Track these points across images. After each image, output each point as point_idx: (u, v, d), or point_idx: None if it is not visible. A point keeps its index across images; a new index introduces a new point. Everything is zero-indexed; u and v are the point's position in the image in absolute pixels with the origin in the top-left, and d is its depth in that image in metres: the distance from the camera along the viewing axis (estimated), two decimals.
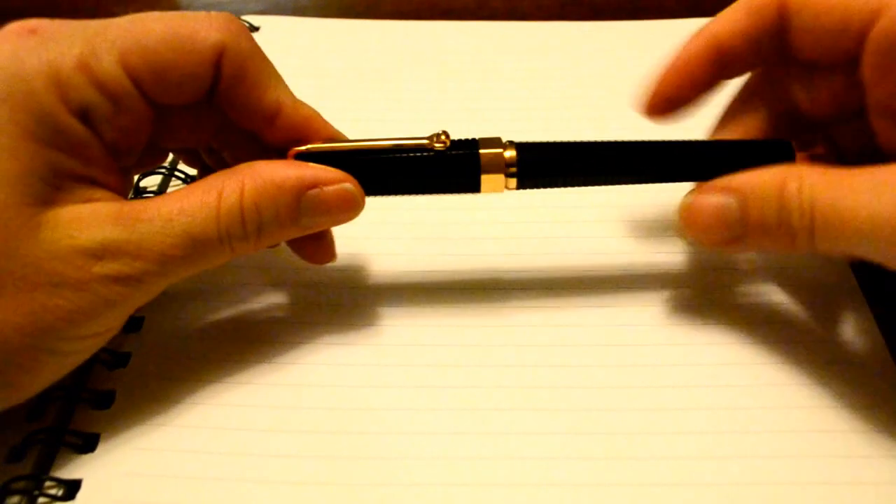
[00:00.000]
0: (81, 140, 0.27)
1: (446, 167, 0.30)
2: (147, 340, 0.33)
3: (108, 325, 0.28)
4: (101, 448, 0.29)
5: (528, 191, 0.31)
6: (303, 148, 0.30)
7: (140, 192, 0.39)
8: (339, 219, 0.30)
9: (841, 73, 0.29)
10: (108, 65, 0.27)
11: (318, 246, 0.32)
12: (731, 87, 0.34)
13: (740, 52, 0.32)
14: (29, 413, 0.30)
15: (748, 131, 0.33)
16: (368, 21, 0.53)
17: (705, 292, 0.34)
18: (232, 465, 0.29)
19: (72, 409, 0.30)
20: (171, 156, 0.41)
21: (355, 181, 0.30)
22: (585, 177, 0.32)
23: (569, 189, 0.32)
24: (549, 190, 0.32)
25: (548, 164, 0.31)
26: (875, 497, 0.28)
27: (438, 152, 0.30)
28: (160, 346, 0.33)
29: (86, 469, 0.29)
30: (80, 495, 0.28)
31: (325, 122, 0.32)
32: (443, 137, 0.30)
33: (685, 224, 0.30)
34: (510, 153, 0.30)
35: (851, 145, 0.32)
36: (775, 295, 0.34)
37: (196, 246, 0.28)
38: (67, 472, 0.29)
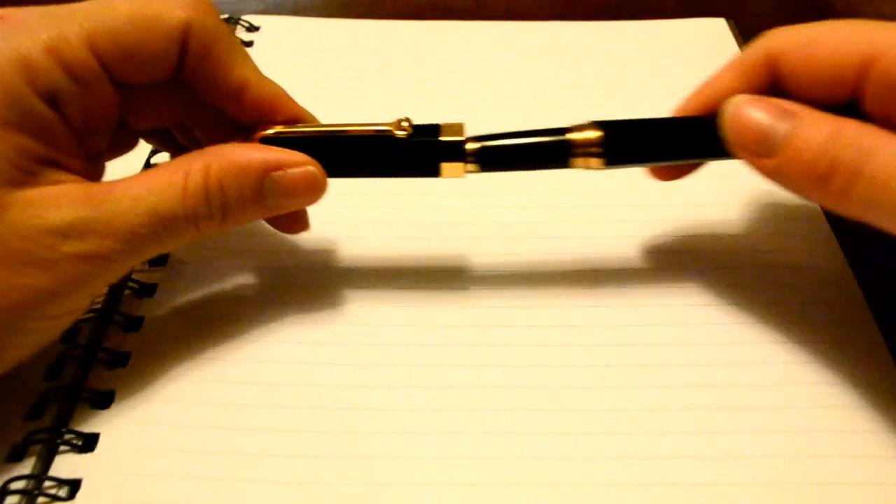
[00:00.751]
0: (50, 124, 0.28)
1: (407, 153, 0.31)
2: (147, 340, 0.33)
3: (77, 305, 0.28)
4: (101, 448, 0.29)
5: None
6: (269, 132, 0.31)
7: None
8: (301, 201, 0.31)
9: (838, 110, 0.29)
10: (76, 48, 0.28)
11: (292, 218, 0.33)
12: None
13: (796, 69, 0.31)
14: (29, 413, 0.31)
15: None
16: (368, 21, 0.53)
17: (704, 292, 0.34)
18: (232, 465, 0.29)
19: (72, 408, 0.30)
20: (169, 156, 0.41)
21: (318, 164, 0.31)
22: (537, 163, 0.32)
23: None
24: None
25: (507, 152, 0.32)
26: (875, 497, 0.28)
27: (400, 139, 0.31)
28: (160, 346, 0.33)
29: (86, 469, 0.29)
30: (80, 495, 0.28)
31: (291, 100, 0.33)
32: (404, 124, 0.31)
33: (724, 121, 0.30)
34: (472, 145, 0.31)
35: None
36: (774, 295, 0.34)
37: (163, 224, 0.28)
38: (67, 472, 0.29)
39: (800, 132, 0.28)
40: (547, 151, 0.31)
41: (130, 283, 0.35)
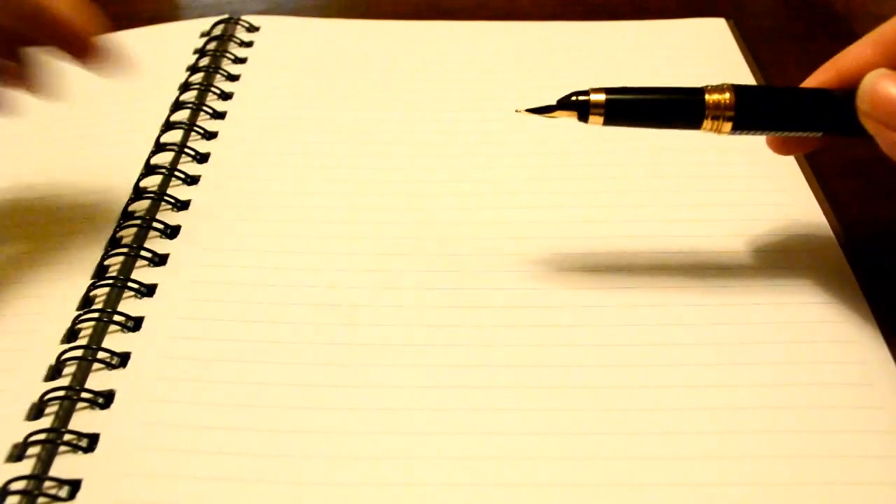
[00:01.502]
0: None
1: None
2: (147, 341, 0.33)
3: None
4: (102, 448, 0.29)
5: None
6: None
7: (140, 193, 0.39)
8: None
9: None
10: None
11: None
12: None
13: None
14: (29, 413, 0.31)
15: None
16: (368, 21, 0.53)
17: (703, 292, 0.34)
18: (232, 465, 0.29)
19: (72, 409, 0.30)
20: (171, 155, 0.41)
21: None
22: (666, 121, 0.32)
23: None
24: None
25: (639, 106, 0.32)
26: (875, 497, 0.28)
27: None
28: (160, 347, 0.33)
29: (86, 469, 0.29)
30: (80, 495, 0.28)
31: None
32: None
33: (864, 92, 0.30)
34: (597, 97, 0.31)
35: None
36: (774, 295, 0.34)
37: None
38: (67, 472, 0.29)
39: None
40: (680, 108, 0.31)
41: (131, 284, 0.35)
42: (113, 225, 0.38)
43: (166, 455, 0.29)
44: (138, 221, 0.38)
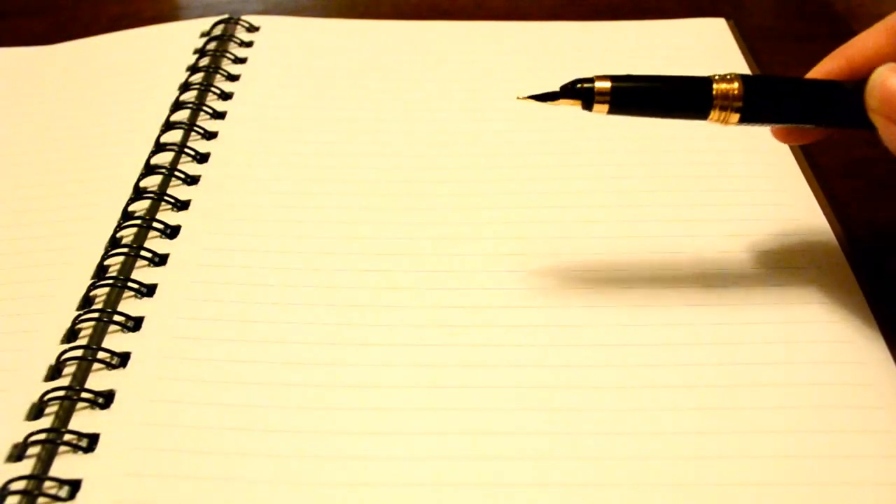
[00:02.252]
0: None
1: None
2: (147, 340, 0.33)
3: None
4: (101, 448, 0.29)
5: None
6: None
7: (140, 193, 0.39)
8: None
9: None
10: None
11: None
12: None
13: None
14: (29, 413, 0.31)
15: None
16: (368, 21, 0.53)
17: (702, 292, 0.34)
18: (231, 465, 0.29)
19: (72, 409, 0.30)
20: (171, 155, 0.41)
21: None
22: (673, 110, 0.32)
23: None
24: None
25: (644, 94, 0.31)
26: (875, 497, 0.28)
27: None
28: (160, 346, 0.33)
29: (86, 469, 0.29)
30: (80, 495, 0.28)
31: None
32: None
33: (874, 86, 0.29)
34: (602, 84, 0.31)
35: None
36: (774, 295, 0.34)
37: None
38: (68, 472, 0.29)
39: None
40: (687, 97, 0.31)
41: (131, 284, 0.35)
42: (113, 225, 0.38)
43: (166, 455, 0.29)
44: (138, 221, 0.38)
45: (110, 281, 0.35)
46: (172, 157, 0.42)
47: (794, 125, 0.32)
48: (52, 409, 0.31)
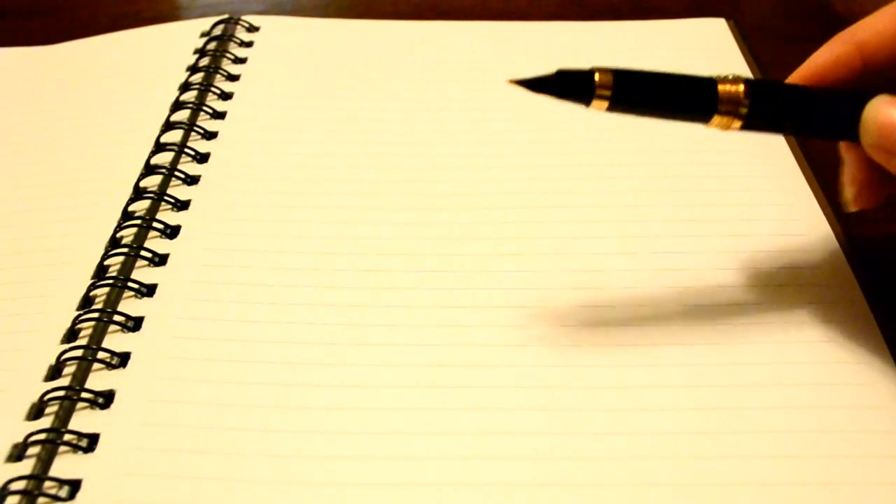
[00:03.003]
0: None
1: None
2: (147, 340, 0.33)
3: None
4: (102, 448, 0.29)
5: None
6: None
7: (140, 193, 0.39)
8: None
9: None
10: None
11: None
12: None
13: (889, 64, 0.29)
14: (29, 413, 0.31)
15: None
16: (368, 21, 0.53)
17: (701, 291, 0.34)
18: (231, 465, 0.29)
19: (72, 409, 0.30)
20: (171, 155, 0.41)
21: None
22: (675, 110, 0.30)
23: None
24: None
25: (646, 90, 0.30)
26: (875, 497, 0.28)
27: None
28: (160, 347, 0.33)
29: (86, 469, 0.29)
30: (80, 495, 0.28)
31: None
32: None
33: (868, 120, 0.28)
34: (603, 76, 0.29)
35: None
36: (774, 295, 0.34)
37: None
38: (68, 472, 0.29)
39: None
40: (691, 97, 0.29)
41: (131, 284, 0.35)
42: (113, 225, 0.38)
43: (166, 455, 0.29)
44: (138, 221, 0.38)
45: (110, 281, 0.35)
46: (172, 157, 0.42)
47: (799, 136, 0.30)
48: (52, 409, 0.31)
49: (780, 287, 0.34)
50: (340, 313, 0.34)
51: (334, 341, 0.33)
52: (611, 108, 0.29)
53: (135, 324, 0.34)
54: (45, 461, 0.29)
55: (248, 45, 0.50)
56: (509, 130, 0.44)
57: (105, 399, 0.31)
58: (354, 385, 0.31)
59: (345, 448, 0.29)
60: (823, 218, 0.38)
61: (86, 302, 0.35)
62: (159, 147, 0.42)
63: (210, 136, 0.43)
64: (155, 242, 0.37)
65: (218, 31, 0.51)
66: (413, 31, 0.52)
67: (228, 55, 0.49)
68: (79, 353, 0.32)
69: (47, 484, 0.28)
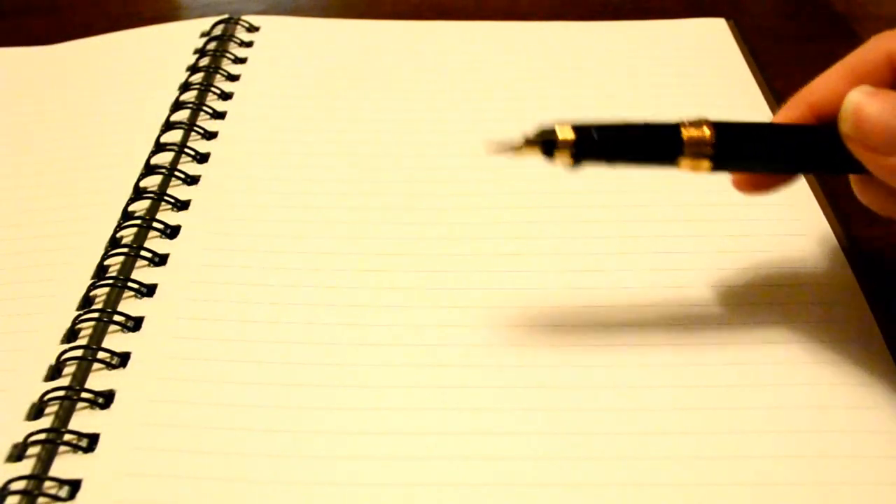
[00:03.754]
0: None
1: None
2: (147, 340, 0.33)
3: None
4: (102, 448, 0.29)
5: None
6: None
7: (140, 193, 0.39)
8: None
9: None
10: None
11: None
12: None
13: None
14: (29, 413, 0.31)
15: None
16: (368, 21, 0.53)
17: (701, 291, 0.34)
18: (231, 465, 0.29)
19: (72, 409, 0.30)
20: (171, 155, 0.41)
21: None
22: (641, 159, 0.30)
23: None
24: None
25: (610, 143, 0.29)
26: (875, 497, 0.28)
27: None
28: (160, 347, 0.33)
29: (86, 469, 0.29)
30: (80, 495, 0.28)
31: None
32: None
33: (847, 113, 0.27)
34: (565, 134, 0.28)
35: None
36: (774, 295, 0.34)
37: None
38: (68, 472, 0.29)
39: None
40: (655, 145, 0.29)
41: (131, 284, 0.35)
42: (113, 225, 0.38)
43: (166, 455, 0.29)
44: (138, 221, 0.38)
45: (110, 281, 0.35)
46: (172, 157, 0.42)
47: (769, 172, 0.30)
48: (52, 409, 0.31)
49: (779, 287, 0.35)
50: (340, 313, 0.34)
51: (334, 341, 0.33)
52: (576, 163, 0.28)
53: (135, 324, 0.34)
54: (45, 461, 0.29)
55: (248, 45, 0.50)
56: (509, 130, 0.43)
57: (105, 399, 0.31)
58: (354, 385, 0.31)
59: (345, 448, 0.29)
60: (823, 218, 0.38)
61: (86, 302, 0.35)
62: (159, 147, 0.42)
63: (210, 136, 0.43)
64: (155, 242, 0.37)
65: (218, 31, 0.51)
66: (413, 31, 0.52)
67: (228, 55, 0.49)
68: (79, 353, 0.32)
69: (47, 484, 0.28)
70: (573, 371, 0.32)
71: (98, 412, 0.30)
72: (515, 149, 0.28)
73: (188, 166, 0.41)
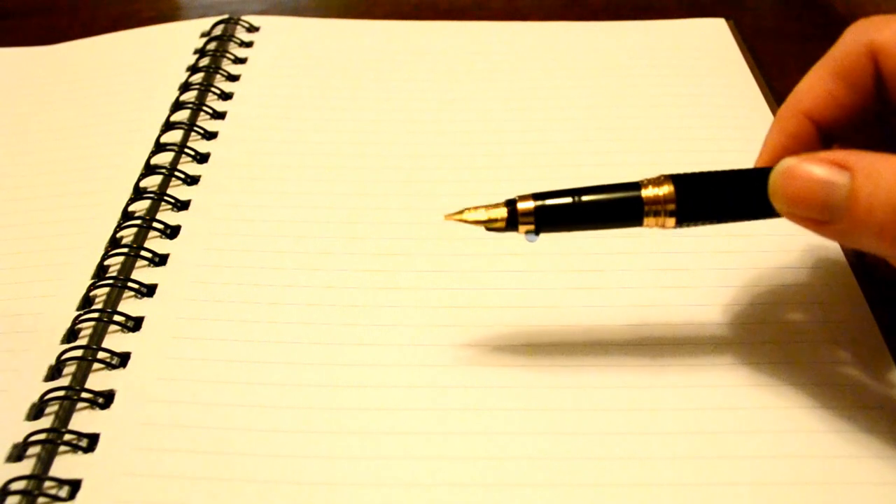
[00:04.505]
0: None
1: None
2: (147, 340, 0.33)
3: None
4: (102, 448, 0.29)
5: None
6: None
7: (140, 193, 0.39)
8: None
9: None
10: None
11: None
12: None
13: (838, 120, 0.28)
14: (29, 413, 0.31)
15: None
16: (368, 21, 0.53)
17: (702, 290, 0.34)
18: (232, 465, 0.29)
19: (72, 409, 0.30)
20: (171, 155, 0.41)
21: None
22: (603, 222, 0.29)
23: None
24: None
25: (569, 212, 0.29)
26: (875, 497, 0.28)
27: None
28: (160, 347, 0.33)
29: (86, 469, 0.29)
30: (80, 495, 0.28)
31: None
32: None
33: (776, 189, 0.26)
34: (525, 205, 0.29)
35: None
36: (774, 295, 0.34)
37: None
38: (68, 472, 0.29)
39: (861, 188, 0.24)
40: (617, 208, 0.28)
41: (131, 284, 0.35)
42: (113, 225, 0.38)
43: (166, 455, 0.29)
44: (138, 221, 0.38)
45: (110, 281, 0.35)
46: (172, 157, 0.42)
47: (741, 221, 0.29)
48: (52, 409, 0.31)
49: (779, 287, 0.35)
50: (340, 313, 0.34)
51: (334, 341, 0.33)
52: (539, 231, 0.29)
53: (135, 324, 0.34)
54: (45, 461, 0.29)
55: (248, 45, 0.50)
56: (509, 130, 0.44)
57: (105, 399, 0.31)
58: (354, 385, 0.31)
59: (345, 448, 0.29)
60: None
61: (86, 302, 0.35)
62: (159, 147, 0.42)
63: (210, 136, 0.43)
64: (155, 242, 0.37)
65: (218, 31, 0.51)
66: (413, 31, 0.52)
67: (228, 55, 0.49)
68: (79, 353, 0.32)
69: (47, 484, 0.28)
70: (573, 371, 0.32)
71: (98, 412, 0.30)
72: (477, 221, 0.29)
73: (188, 166, 0.41)
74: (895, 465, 0.28)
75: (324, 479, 0.28)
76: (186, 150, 0.42)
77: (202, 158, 0.42)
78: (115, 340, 0.33)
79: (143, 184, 0.40)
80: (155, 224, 0.38)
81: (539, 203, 0.28)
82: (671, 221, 0.28)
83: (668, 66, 0.48)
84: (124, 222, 0.38)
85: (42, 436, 0.29)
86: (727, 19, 0.51)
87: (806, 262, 0.36)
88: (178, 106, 0.45)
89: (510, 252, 0.36)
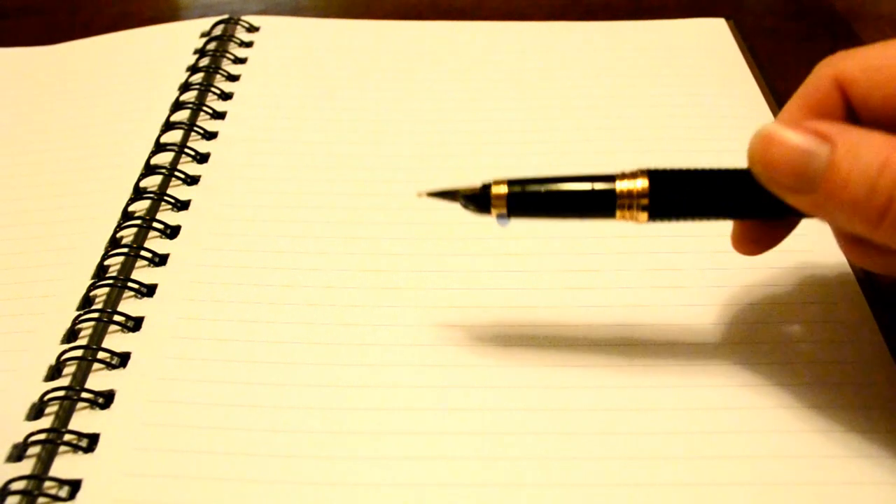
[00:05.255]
0: None
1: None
2: (147, 340, 0.33)
3: None
4: (102, 448, 0.29)
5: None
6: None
7: (140, 193, 0.39)
8: None
9: None
10: None
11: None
12: None
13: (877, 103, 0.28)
14: (29, 413, 0.31)
15: None
16: (368, 21, 0.53)
17: (702, 289, 0.34)
18: (232, 466, 0.29)
19: (72, 409, 0.30)
20: (171, 155, 0.41)
21: None
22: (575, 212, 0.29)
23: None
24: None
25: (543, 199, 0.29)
26: (875, 497, 0.28)
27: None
28: (160, 347, 0.33)
29: (86, 469, 0.29)
30: (80, 495, 0.28)
31: None
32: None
33: (754, 153, 0.26)
34: (499, 189, 0.28)
35: None
36: (773, 295, 0.34)
37: None
38: (68, 472, 0.29)
39: (841, 161, 0.24)
40: (589, 199, 0.28)
41: (131, 284, 0.35)
42: (113, 225, 0.38)
43: (166, 455, 0.29)
44: (138, 221, 0.38)
45: (110, 281, 0.35)
46: (172, 157, 0.42)
47: (714, 220, 0.29)
48: (52, 409, 0.31)
49: (778, 287, 0.35)
50: (339, 313, 0.34)
51: (334, 341, 0.33)
52: (511, 216, 0.28)
53: (135, 324, 0.34)
54: (45, 461, 0.29)
55: (248, 45, 0.50)
56: (509, 130, 0.44)
57: (105, 399, 0.31)
58: (354, 385, 0.31)
59: (345, 448, 0.29)
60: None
61: (86, 302, 0.35)
62: (159, 147, 0.42)
63: (210, 136, 0.43)
64: (155, 242, 0.37)
65: (218, 31, 0.51)
66: (413, 31, 0.52)
67: (228, 55, 0.49)
68: (79, 353, 0.32)
69: (47, 484, 0.28)
70: (573, 371, 0.32)
71: (98, 412, 0.30)
72: (449, 198, 0.29)
73: (188, 166, 0.41)
74: (894, 465, 0.28)
75: (324, 479, 0.28)
76: (186, 150, 0.42)
77: (202, 158, 0.42)
78: (115, 340, 0.33)
79: (143, 184, 0.40)
80: (155, 224, 0.38)
81: (513, 189, 0.28)
82: (643, 216, 0.28)
83: (667, 66, 0.48)
84: (124, 222, 0.38)
85: (42, 436, 0.29)
86: (727, 19, 0.51)
87: (805, 262, 0.36)
88: (178, 106, 0.45)
89: (510, 252, 0.36)
